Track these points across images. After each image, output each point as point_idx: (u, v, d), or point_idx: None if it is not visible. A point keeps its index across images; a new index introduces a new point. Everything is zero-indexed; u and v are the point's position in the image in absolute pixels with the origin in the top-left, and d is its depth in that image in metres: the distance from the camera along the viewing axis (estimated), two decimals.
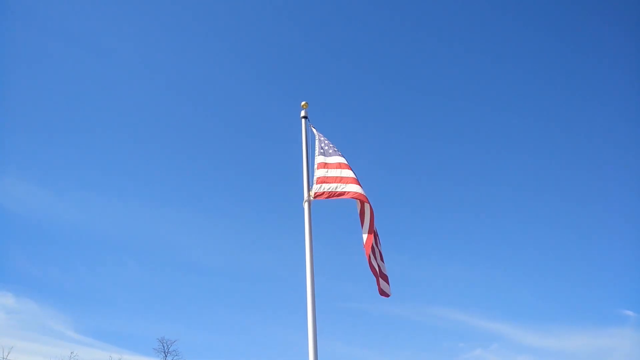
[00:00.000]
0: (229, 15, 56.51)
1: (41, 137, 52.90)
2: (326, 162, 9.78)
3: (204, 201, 54.58)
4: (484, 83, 56.26)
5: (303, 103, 10.69)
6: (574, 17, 51.37)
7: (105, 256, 46.80)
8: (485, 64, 55.52)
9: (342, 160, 9.83)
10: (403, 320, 42.81)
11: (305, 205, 9.40)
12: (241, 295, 45.65)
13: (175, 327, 44.23)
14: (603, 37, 49.99)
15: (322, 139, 10.29)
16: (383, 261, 9.48)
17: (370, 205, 9.21)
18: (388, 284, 9.41)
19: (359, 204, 9.39)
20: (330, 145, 10.18)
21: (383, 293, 9.26)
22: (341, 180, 9.46)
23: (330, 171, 9.63)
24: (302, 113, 10.59)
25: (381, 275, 9.27)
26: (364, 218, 9.28)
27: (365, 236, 9.16)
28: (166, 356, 31.40)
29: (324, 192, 9.39)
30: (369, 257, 9.01)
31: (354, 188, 9.33)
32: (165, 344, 31.59)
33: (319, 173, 9.61)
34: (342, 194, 9.32)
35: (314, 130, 10.46)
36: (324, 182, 9.48)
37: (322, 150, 10.00)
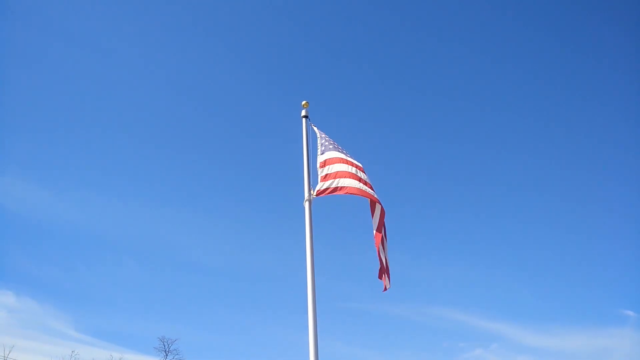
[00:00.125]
0: (229, 15, 56.53)
1: (41, 137, 52.98)
2: (326, 159, 9.78)
3: (204, 201, 54.67)
4: (484, 83, 56.37)
5: (303, 102, 10.66)
6: (574, 17, 51.39)
7: (105, 256, 46.87)
8: (485, 64, 55.61)
9: (339, 155, 9.83)
10: (403, 320, 42.89)
11: (306, 205, 9.37)
12: (241, 295, 45.69)
13: (175, 326, 44.33)
14: (603, 37, 50.03)
15: (323, 136, 10.28)
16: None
17: (372, 200, 9.24)
18: (389, 278, 9.44)
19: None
20: (330, 141, 10.17)
21: (385, 287, 9.35)
22: (336, 175, 9.47)
23: (329, 167, 9.63)
24: (303, 112, 10.56)
25: (386, 270, 9.32)
26: (374, 213, 9.37)
27: (374, 232, 9.29)
28: (167, 355, 31.40)
29: (325, 189, 9.39)
30: (379, 250, 9.11)
31: (351, 183, 9.33)
32: (165, 343, 31.60)
33: (321, 172, 9.62)
34: (338, 189, 9.33)
35: (315, 128, 10.45)
36: (325, 180, 9.48)
37: (322, 148, 10.00)
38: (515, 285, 46.76)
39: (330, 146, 10.04)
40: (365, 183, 9.48)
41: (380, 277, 9.33)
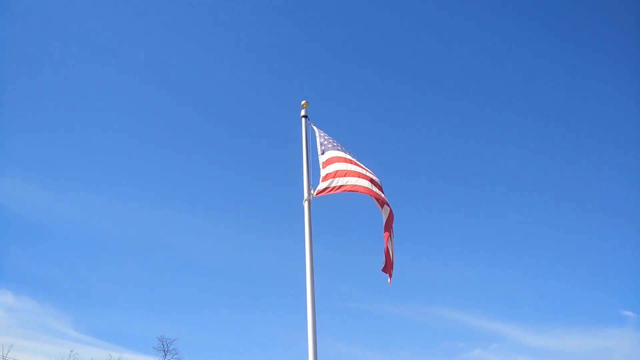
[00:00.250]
0: (229, 15, 56.52)
1: (41, 137, 52.99)
2: (327, 159, 9.77)
3: (203, 201, 54.68)
4: (484, 83, 56.34)
5: (303, 102, 10.65)
6: (574, 17, 51.38)
7: (105, 256, 46.89)
8: (485, 64, 55.60)
9: (339, 154, 9.81)
10: (403, 320, 42.91)
11: (305, 205, 9.36)
12: (241, 295, 45.68)
13: (174, 326, 44.36)
14: (603, 37, 50.02)
15: (322, 135, 10.26)
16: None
17: (376, 197, 9.27)
18: (391, 274, 9.49)
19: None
20: (330, 140, 10.15)
21: (389, 281, 9.45)
22: (335, 174, 9.46)
23: (329, 167, 9.62)
24: (302, 112, 10.55)
25: (391, 265, 9.38)
26: (382, 209, 9.44)
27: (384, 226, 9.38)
28: (166, 355, 31.42)
29: (324, 189, 9.37)
30: (387, 245, 9.20)
31: (348, 181, 9.32)
32: (165, 343, 31.61)
33: (322, 172, 9.60)
34: (336, 188, 9.32)
35: (314, 127, 10.43)
36: (325, 180, 9.46)
37: (322, 148, 9.98)
38: (515, 285, 46.81)
39: (330, 145, 10.02)
40: (370, 180, 9.44)
41: (386, 271, 9.39)
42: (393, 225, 9.45)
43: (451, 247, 50.26)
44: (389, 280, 9.36)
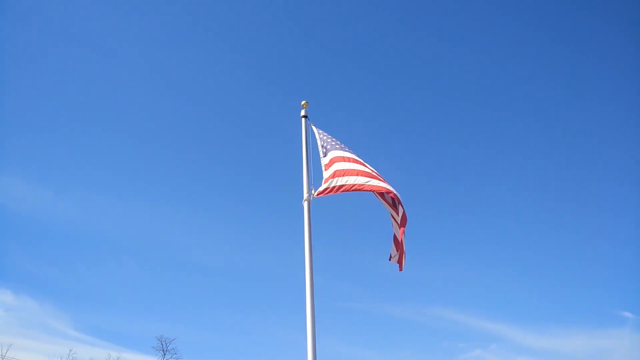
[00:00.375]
0: (229, 15, 56.53)
1: (41, 136, 52.95)
2: (329, 159, 9.73)
3: (203, 201, 54.62)
4: (484, 83, 56.33)
5: (303, 102, 10.65)
6: (574, 17, 51.40)
7: (105, 255, 46.82)
8: (485, 64, 55.58)
9: (341, 153, 9.78)
10: (403, 321, 42.86)
11: (305, 204, 9.36)
12: (241, 295, 45.66)
13: (174, 326, 44.31)
14: (603, 37, 50.04)
15: (322, 136, 10.24)
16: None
17: (377, 193, 9.32)
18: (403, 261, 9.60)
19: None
20: (331, 140, 10.13)
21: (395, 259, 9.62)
22: (334, 174, 9.43)
23: (331, 168, 9.59)
24: (302, 112, 10.55)
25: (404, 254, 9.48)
26: (390, 205, 9.57)
27: (396, 221, 9.51)
28: (165, 354, 31.38)
29: (324, 189, 9.34)
30: (402, 236, 9.28)
31: (348, 180, 9.30)
32: (163, 343, 31.58)
33: (325, 174, 9.57)
34: (336, 188, 9.30)
35: (314, 128, 10.41)
36: (326, 182, 9.41)
37: (325, 150, 9.95)
38: (514, 285, 46.76)
39: (332, 146, 9.99)
40: (372, 176, 9.42)
41: (397, 260, 9.55)
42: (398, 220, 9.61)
43: (451, 247, 50.24)
44: (400, 267, 9.50)
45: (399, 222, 9.32)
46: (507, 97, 55.82)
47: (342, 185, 9.26)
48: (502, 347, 39.81)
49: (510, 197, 52.50)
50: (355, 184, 9.23)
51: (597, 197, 50.46)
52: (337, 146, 10.00)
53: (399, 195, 9.27)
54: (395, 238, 9.68)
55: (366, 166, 9.65)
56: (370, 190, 9.42)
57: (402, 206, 9.27)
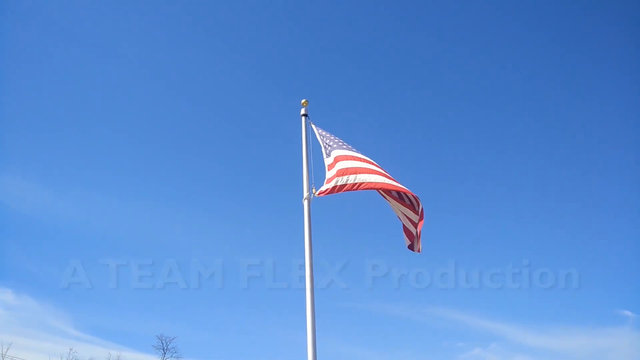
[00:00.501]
0: (229, 15, 56.48)
1: (42, 136, 52.95)
2: (333, 159, 9.63)
3: (203, 201, 54.55)
4: (484, 83, 56.30)
5: (303, 101, 10.59)
6: (574, 17, 51.37)
7: (105, 255, 46.72)
8: (486, 64, 55.56)
9: (344, 152, 9.68)
10: (403, 320, 42.84)
11: (305, 203, 9.30)
12: (241, 295, 45.59)
13: (174, 325, 44.24)
14: (603, 37, 50.01)
15: (325, 135, 10.15)
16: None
17: (383, 188, 9.26)
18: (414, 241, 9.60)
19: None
20: (333, 138, 10.05)
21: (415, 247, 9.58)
22: (337, 173, 9.33)
23: (334, 168, 9.49)
24: (302, 111, 10.48)
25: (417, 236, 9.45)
26: (398, 201, 9.54)
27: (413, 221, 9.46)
28: (165, 353, 31.39)
29: (325, 190, 9.25)
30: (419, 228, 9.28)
31: (348, 180, 9.18)
32: (164, 342, 31.59)
33: (327, 175, 9.47)
34: (337, 188, 9.20)
35: (314, 127, 10.34)
36: (329, 182, 9.28)
37: (327, 150, 9.85)
38: (514, 285, 46.65)
39: (335, 145, 9.88)
40: (380, 174, 9.33)
41: (413, 248, 9.56)
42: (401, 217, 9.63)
43: (451, 247, 50.19)
44: (418, 249, 9.47)
45: (418, 217, 9.28)
46: (507, 97, 55.85)
47: (344, 185, 9.15)
48: (502, 346, 39.84)
49: (510, 197, 52.51)
50: (356, 183, 9.12)
51: (597, 197, 50.47)
52: (343, 145, 9.90)
53: (418, 197, 9.25)
54: (406, 229, 9.65)
55: (375, 165, 9.54)
56: (382, 189, 9.36)
57: (420, 204, 9.29)
